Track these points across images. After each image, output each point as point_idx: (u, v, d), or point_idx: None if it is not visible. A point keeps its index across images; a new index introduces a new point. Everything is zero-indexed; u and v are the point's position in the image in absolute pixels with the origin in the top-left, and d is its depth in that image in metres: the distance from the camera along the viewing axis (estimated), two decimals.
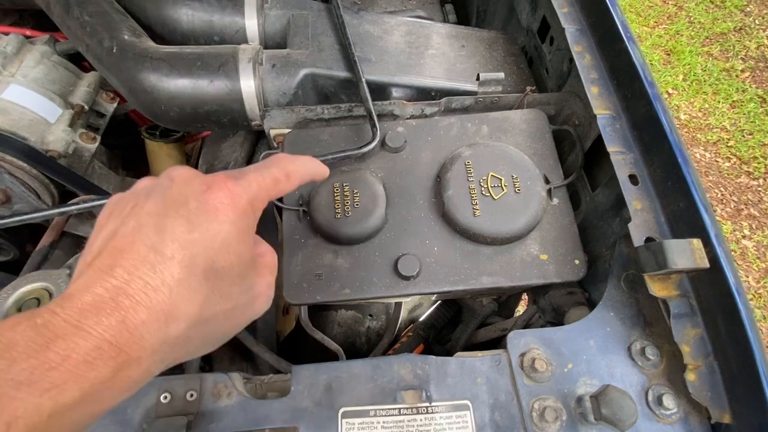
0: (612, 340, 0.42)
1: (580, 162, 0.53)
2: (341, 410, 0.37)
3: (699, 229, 0.40)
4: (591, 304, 0.54)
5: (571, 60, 0.55)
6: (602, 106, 0.49)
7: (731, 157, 2.23)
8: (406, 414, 0.36)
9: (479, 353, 0.41)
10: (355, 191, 0.51)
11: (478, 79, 0.57)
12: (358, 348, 0.79)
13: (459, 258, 0.49)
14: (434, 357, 0.39)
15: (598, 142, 0.50)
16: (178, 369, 0.46)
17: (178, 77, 0.54)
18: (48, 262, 0.80)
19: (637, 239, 0.41)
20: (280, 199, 0.52)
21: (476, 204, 0.49)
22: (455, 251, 0.49)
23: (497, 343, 0.63)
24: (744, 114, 2.33)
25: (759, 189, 2.14)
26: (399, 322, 0.71)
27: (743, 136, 2.26)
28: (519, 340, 0.41)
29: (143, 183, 0.31)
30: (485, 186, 0.50)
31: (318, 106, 0.57)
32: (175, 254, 0.25)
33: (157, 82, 0.54)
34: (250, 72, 0.56)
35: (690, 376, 0.37)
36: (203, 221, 0.27)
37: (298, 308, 0.58)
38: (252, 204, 0.30)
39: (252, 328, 0.58)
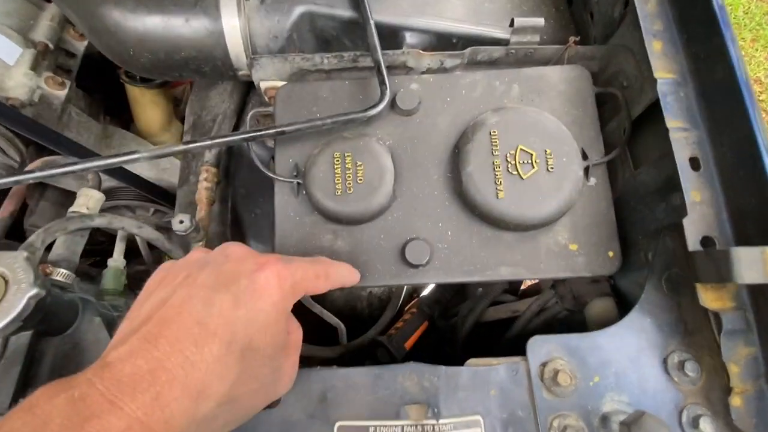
0: (646, 351, 0.36)
1: (626, 134, 0.45)
2: (337, 425, 0.33)
3: None
4: (616, 294, 0.48)
5: (626, 4, 0.44)
6: (665, 68, 0.39)
7: (762, 111, 2.07)
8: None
9: (494, 360, 0.36)
10: (359, 163, 0.43)
11: (512, 25, 0.47)
12: (359, 312, 0.76)
13: (476, 245, 0.43)
14: (444, 367, 0.35)
15: (650, 109, 0.42)
16: None
17: (147, 14, 0.45)
18: (32, 216, 0.75)
19: (693, 240, 0.35)
20: (273, 171, 0.45)
21: (500, 183, 0.42)
22: (472, 237, 0.43)
23: (507, 324, 0.59)
24: None
25: None
26: (402, 296, 0.67)
27: None
28: (541, 347, 0.36)
29: (196, 255, 0.33)
30: (513, 162, 0.42)
31: (317, 55, 0.47)
32: (218, 330, 0.26)
33: (121, 19, 0.45)
34: (233, 8, 0.46)
35: (735, 401, 0.33)
36: (249, 300, 0.28)
37: None
38: (293, 288, 0.31)
39: None
